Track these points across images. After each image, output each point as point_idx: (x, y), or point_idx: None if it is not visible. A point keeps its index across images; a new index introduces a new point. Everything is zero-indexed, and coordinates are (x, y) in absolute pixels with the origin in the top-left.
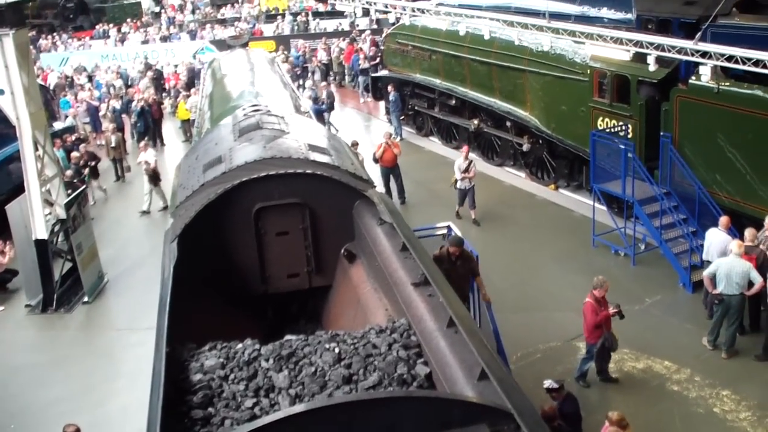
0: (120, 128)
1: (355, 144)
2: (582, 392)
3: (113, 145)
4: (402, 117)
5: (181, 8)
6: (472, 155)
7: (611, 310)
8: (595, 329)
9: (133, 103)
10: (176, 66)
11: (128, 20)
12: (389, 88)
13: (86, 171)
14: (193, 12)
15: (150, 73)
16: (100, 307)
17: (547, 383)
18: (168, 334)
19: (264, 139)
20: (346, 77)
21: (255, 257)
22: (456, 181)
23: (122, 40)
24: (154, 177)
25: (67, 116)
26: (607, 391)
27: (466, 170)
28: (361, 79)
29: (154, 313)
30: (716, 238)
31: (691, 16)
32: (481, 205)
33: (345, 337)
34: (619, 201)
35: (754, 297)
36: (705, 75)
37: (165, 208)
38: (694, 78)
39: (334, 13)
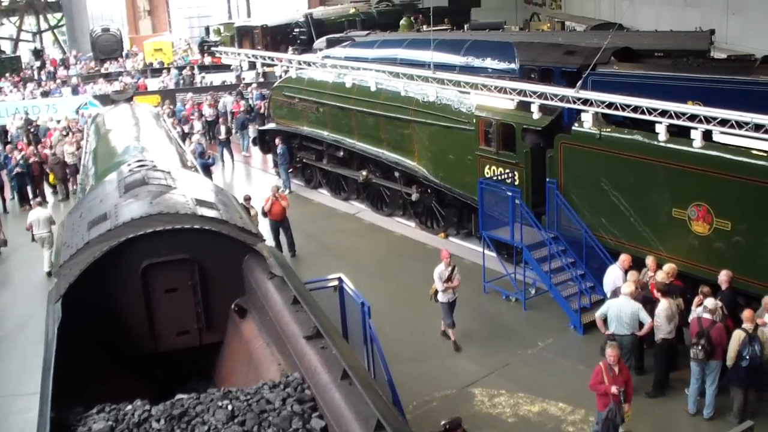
0: None
1: (247, 198)
2: None
3: None
4: (290, 170)
5: (63, 63)
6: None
7: (613, 389)
8: (600, 396)
9: (11, 161)
10: (58, 122)
11: (7, 75)
12: (277, 140)
13: None
14: (76, 65)
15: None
16: None
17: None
18: (53, 399)
19: (150, 194)
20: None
21: (143, 315)
22: (436, 292)
23: None
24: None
25: None
26: None
27: (449, 279)
28: (240, 132)
29: (38, 377)
30: (610, 274)
31: (572, 66)
32: (373, 255)
33: (238, 394)
34: (509, 247)
35: (641, 338)
36: (587, 122)
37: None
38: (576, 125)
39: (221, 67)
